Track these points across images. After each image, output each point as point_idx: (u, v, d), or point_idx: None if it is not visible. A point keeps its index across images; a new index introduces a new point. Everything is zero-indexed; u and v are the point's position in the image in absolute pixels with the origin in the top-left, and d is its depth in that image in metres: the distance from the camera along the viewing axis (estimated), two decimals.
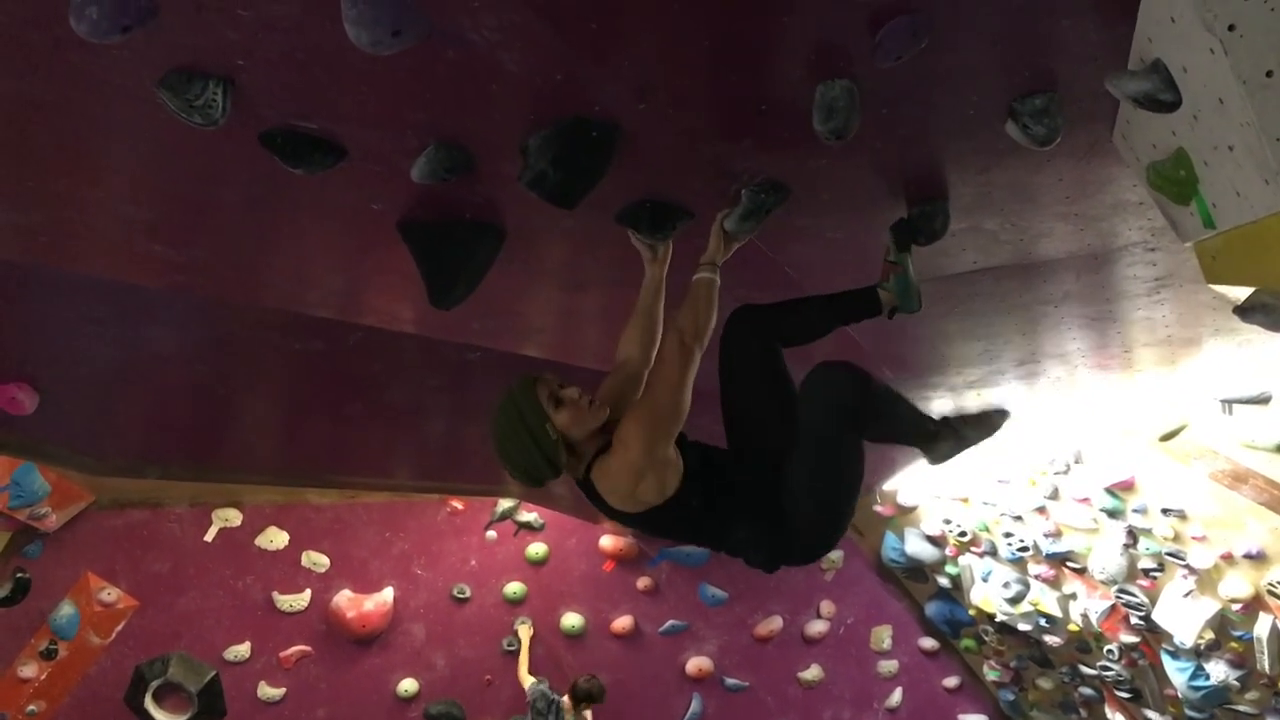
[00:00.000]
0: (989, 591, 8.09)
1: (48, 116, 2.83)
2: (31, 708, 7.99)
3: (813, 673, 9.31)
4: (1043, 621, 7.80)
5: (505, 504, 8.95)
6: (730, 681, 9.18)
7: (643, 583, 9.14)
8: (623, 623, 9.04)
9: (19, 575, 7.97)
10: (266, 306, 4.56)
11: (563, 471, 2.96)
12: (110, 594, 8.17)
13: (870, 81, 2.46)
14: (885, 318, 3.34)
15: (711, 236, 3.07)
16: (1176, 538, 6.25)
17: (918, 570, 8.95)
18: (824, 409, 2.89)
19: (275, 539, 8.55)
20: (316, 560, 8.62)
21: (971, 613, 8.72)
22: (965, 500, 7.89)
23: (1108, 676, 7.73)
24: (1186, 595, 6.36)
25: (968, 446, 3.25)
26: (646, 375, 3.19)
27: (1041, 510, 7.19)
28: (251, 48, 2.38)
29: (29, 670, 8.00)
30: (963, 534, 8.05)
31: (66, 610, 8.07)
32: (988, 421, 3.26)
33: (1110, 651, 7.45)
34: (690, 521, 3.05)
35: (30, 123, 2.88)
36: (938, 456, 3.27)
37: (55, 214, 3.59)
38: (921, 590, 9.25)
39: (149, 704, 8.16)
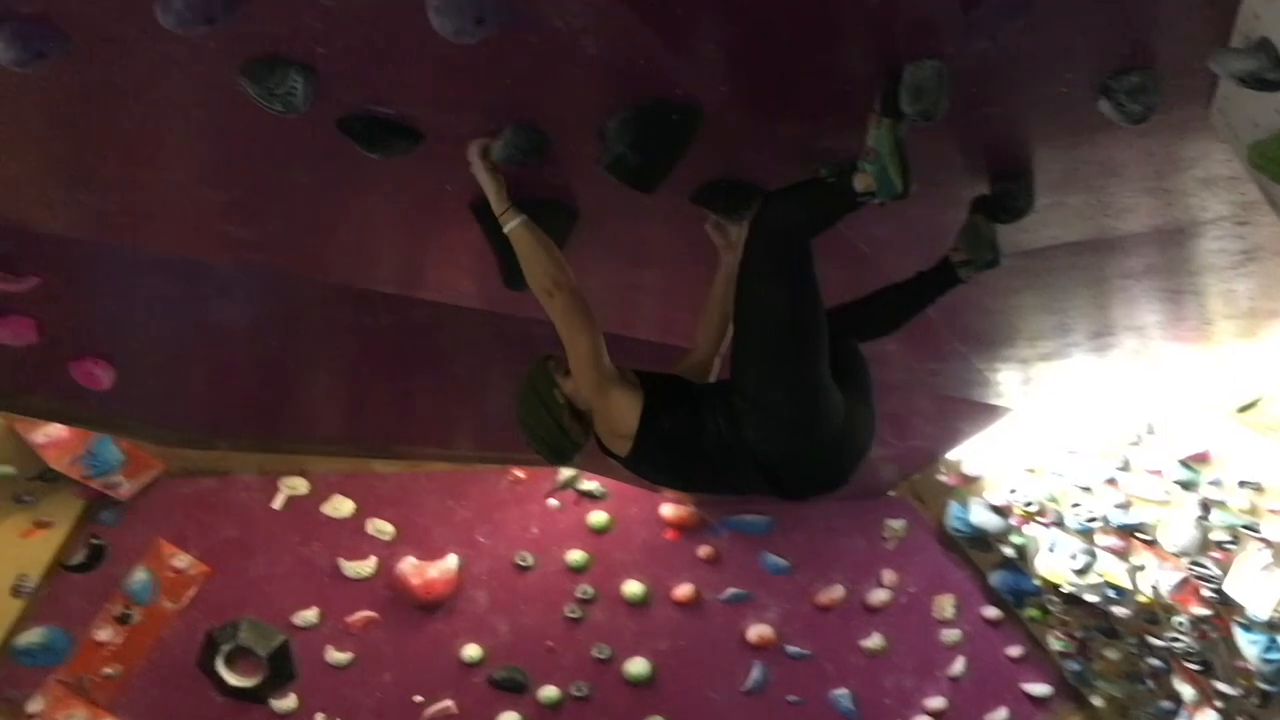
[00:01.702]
0: (1055, 562, 8.01)
1: (130, 104, 2.86)
2: (109, 671, 8.20)
3: (875, 641, 9.28)
4: (1111, 593, 7.70)
5: (567, 473, 8.99)
6: (792, 650, 9.18)
7: (704, 551, 9.14)
8: (685, 591, 9.06)
9: (95, 542, 8.17)
10: (336, 283, 4.59)
11: (573, 438, 3.01)
12: (182, 560, 8.35)
13: (960, 61, 2.39)
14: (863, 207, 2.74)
15: (481, 177, 2.89)
16: (1253, 510, 6.13)
17: (982, 540, 8.87)
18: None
19: (341, 507, 8.66)
20: (381, 528, 8.72)
21: (1037, 583, 8.63)
22: (1033, 470, 7.80)
23: (1177, 648, 7.62)
24: (1264, 568, 6.24)
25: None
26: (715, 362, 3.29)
27: (1112, 481, 7.09)
28: (333, 36, 2.37)
29: (106, 635, 8.20)
30: (1029, 504, 7.97)
31: (141, 576, 8.26)
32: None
33: (1180, 623, 7.34)
34: (676, 451, 2.97)
35: (113, 110, 2.90)
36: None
37: (133, 196, 3.64)
38: (986, 560, 9.17)
39: (221, 668, 8.34)
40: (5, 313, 4.48)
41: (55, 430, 7.25)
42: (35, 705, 8.03)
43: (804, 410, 2.77)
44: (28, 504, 7.88)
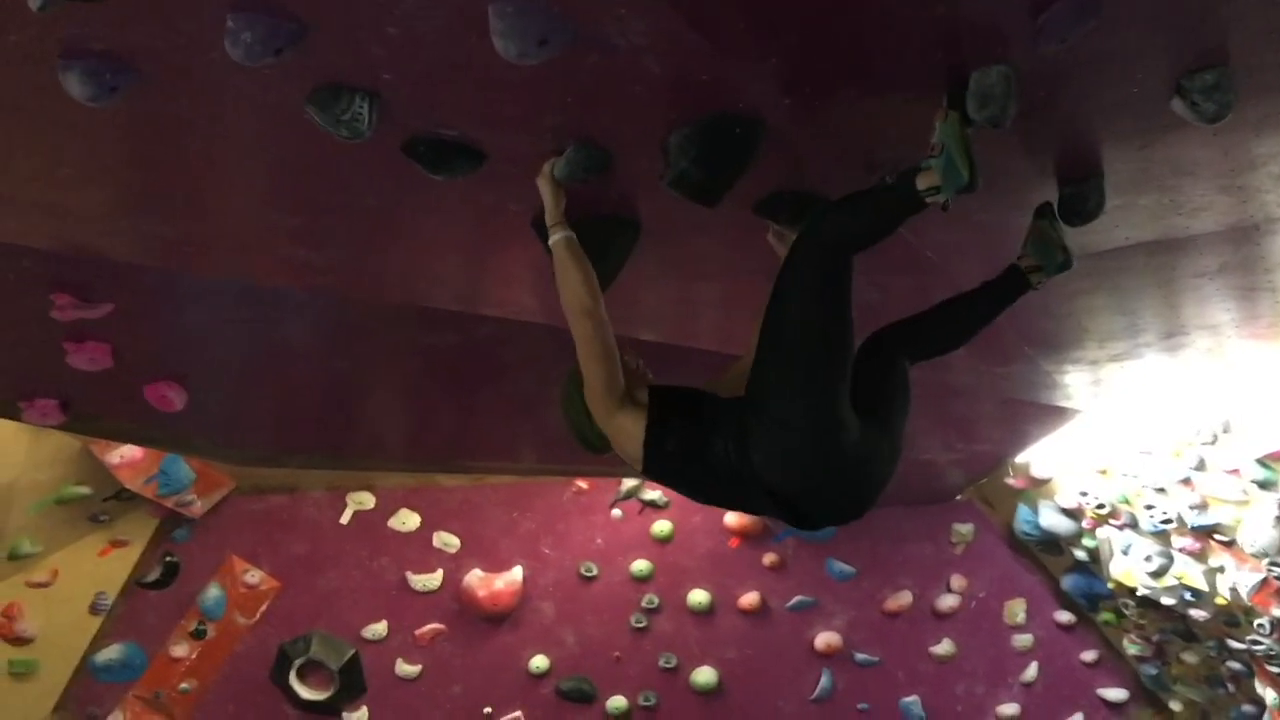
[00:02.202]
0: (1130, 565, 7.84)
1: (198, 134, 2.91)
2: (184, 685, 8.36)
3: (945, 647, 9.17)
4: (1188, 595, 7.52)
5: (630, 483, 8.99)
6: (860, 657, 9.10)
7: (769, 559, 9.10)
8: (749, 599, 9.02)
9: (168, 559, 8.35)
10: (399, 302, 4.64)
11: (601, 432, 2.99)
12: (254, 576, 8.48)
13: (1028, 66, 2.35)
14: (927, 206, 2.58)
15: (543, 191, 2.89)
16: None
17: (1052, 543, 8.72)
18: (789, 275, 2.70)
19: (408, 520, 8.75)
20: (447, 541, 8.80)
21: (1111, 586, 8.46)
22: (1104, 472, 7.65)
23: (1258, 650, 7.43)
24: None
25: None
26: None
27: (1186, 482, 6.93)
28: (397, 62, 2.39)
29: (181, 650, 8.37)
30: (1101, 506, 7.82)
31: (214, 592, 8.41)
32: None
33: (1261, 625, 7.15)
34: (683, 471, 2.95)
35: (181, 140, 2.95)
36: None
37: (201, 224, 3.70)
38: (1057, 563, 9.01)
39: (294, 681, 8.47)
40: (82, 339, 4.57)
41: (129, 451, 7.41)
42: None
43: (814, 434, 2.67)
44: (103, 523, 8.07)
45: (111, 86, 2.45)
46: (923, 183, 2.50)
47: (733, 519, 8.98)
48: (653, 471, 2.96)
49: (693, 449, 2.85)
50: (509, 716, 8.78)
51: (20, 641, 7.83)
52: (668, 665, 8.94)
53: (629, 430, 2.89)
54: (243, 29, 2.19)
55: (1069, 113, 2.69)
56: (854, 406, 2.70)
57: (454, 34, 2.25)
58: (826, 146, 2.82)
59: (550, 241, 2.90)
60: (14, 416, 5.39)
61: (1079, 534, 8.36)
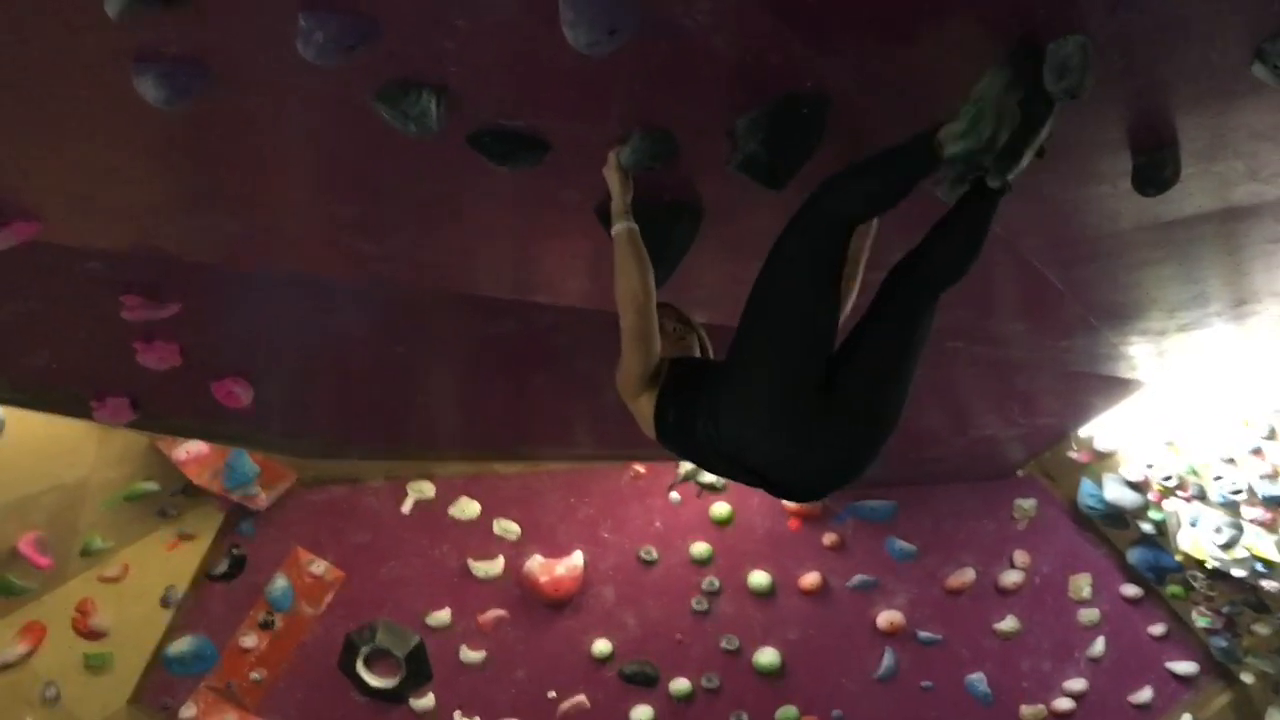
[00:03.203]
0: (1198, 537, 7.72)
1: (267, 133, 2.94)
2: (255, 675, 8.50)
3: (1009, 624, 9.08)
4: (1259, 567, 7.40)
5: (687, 466, 8.99)
6: (923, 635, 9.05)
7: (829, 539, 9.06)
8: (810, 580, 9.00)
9: (235, 552, 8.48)
10: (459, 292, 4.66)
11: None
12: (319, 566, 8.60)
13: (1105, 34, 2.31)
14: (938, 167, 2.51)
15: (610, 181, 2.88)
16: None
17: (1118, 517, 8.60)
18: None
19: (467, 509, 8.81)
20: (507, 528, 8.85)
21: (1178, 559, 8.34)
22: (1170, 444, 7.53)
23: None
24: None
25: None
26: None
27: (1257, 452, 6.81)
28: (465, 55, 2.39)
29: (250, 641, 8.51)
30: (1168, 478, 7.70)
31: (280, 583, 8.54)
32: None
33: None
34: (684, 445, 3.02)
35: (250, 140, 2.98)
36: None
37: (268, 220, 3.75)
38: (1122, 537, 8.89)
39: (361, 669, 8.58)
40: (150, 338, 4.65)
41: (195, 446, 7.53)
42: (188, 711, 8.39)
43: (778, 406, 2.64)
44: (172, 518, 8.20)
45: (185, 89, 2.49)
46: (943, 135, 2.40)
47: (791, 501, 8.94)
48: (665, 443, 3.06)
49: (685, 421, 2.90)
50: (573, 700, 8.84)
51: (95, 636, 7.98)
52: (730, 647, 8.95)
53: (643, 409, 3.02)
54: (315, 28, 2.21)
55: (1145, 81, 2.63)
56: (853, 363, 2.67)
57: (523, 25, 2.26)
58: (895, 124, 2.78)
59: (613, 231, 2.90)
60: (85, 415, 5.50)
61: (1145, 507, 8.24)
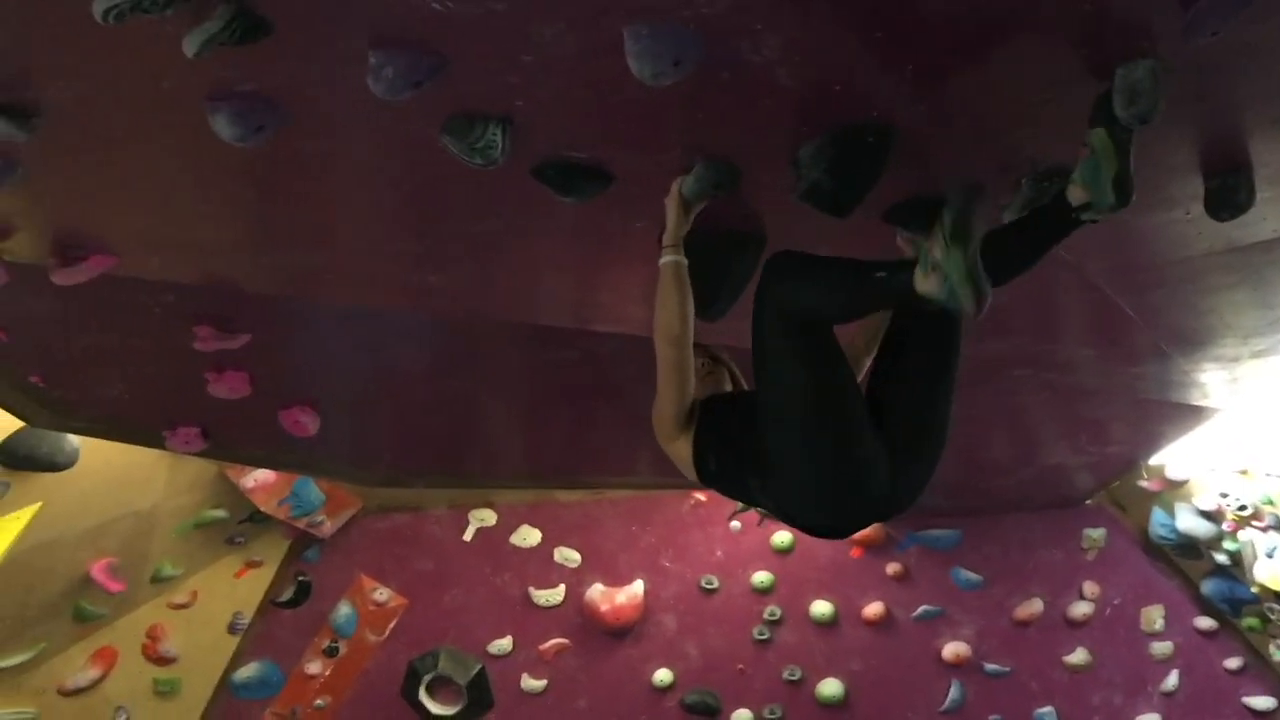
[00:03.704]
0: (1276, 568, 7.52)
1: (333, 167, 2.99)
2: (319, 702, 8.58)
3: (1079, 656, 8.89)
4: None
5: None
6: (991, 667, 8.88)
7: (892, 568, 8.95)
8: (874, 609, 8.89)
9: (301, 579, 8.58)
10: (521, 322, 4.70)
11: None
12: (382, 594, 8.67)
13: (1176, 58, 2.27)
14: (1076, 221, 2.54)
15: (669, 211, 2.87)
16: None
17: (1191, 547, 8.40)
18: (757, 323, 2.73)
19: (528, 536, 8.85)
20: (568, 556, 8.87)
21: (1255, 590, 8.11)
22: (1245, 472, 7.35)
23: None
24: None
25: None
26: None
27: None
28: (531, 88, 2.42)
29: (315, 667, 8.59)
30: (1243, 508, 7.51)
31: (345, 610, 8.62)
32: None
33: None
34: (733, 488, 3.08)
35: (318, 175, 3.04)
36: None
37: (334, 254, 3.81)
38: (1196, 568, 8.67)
39: (424, 697, 8.62)
40: (221, 369, 4.74)
41: (262, 474, 7.64)
42: None
43: (834, 482, 2.69)
44: (239, 545, 8.32)
45: (258, 126, 2.54)
46: (1074, 196, 2.49)
47: None
48: (709, 486, 3.12)
49: (729, 475, 3.00)
50: None
51: (164, 661, 8.10)
52: (792, 677, 8.86)
53: (680, 452, 3.04)
54: (384, 64, 2.25)
55: (1217, 103, 2.58)
56: (894, 396, 2.76)
57: (588, 58, 2.27)
58: (962, 151, 2.77)
59: (660, 262, 2.89)
60: (158, 445, 5.61)
61: (1219, 537, 8.04)
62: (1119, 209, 2.46)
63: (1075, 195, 2.49)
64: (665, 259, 2.88)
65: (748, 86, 2.41)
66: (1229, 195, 2.95)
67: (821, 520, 2.89)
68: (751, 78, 2.36)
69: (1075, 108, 2.45)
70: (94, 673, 7.66)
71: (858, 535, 8.68)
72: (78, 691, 7.58)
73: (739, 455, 2.90)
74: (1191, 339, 4.99)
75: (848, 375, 2.71)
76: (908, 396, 2.81)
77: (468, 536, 8.83)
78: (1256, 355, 5.27)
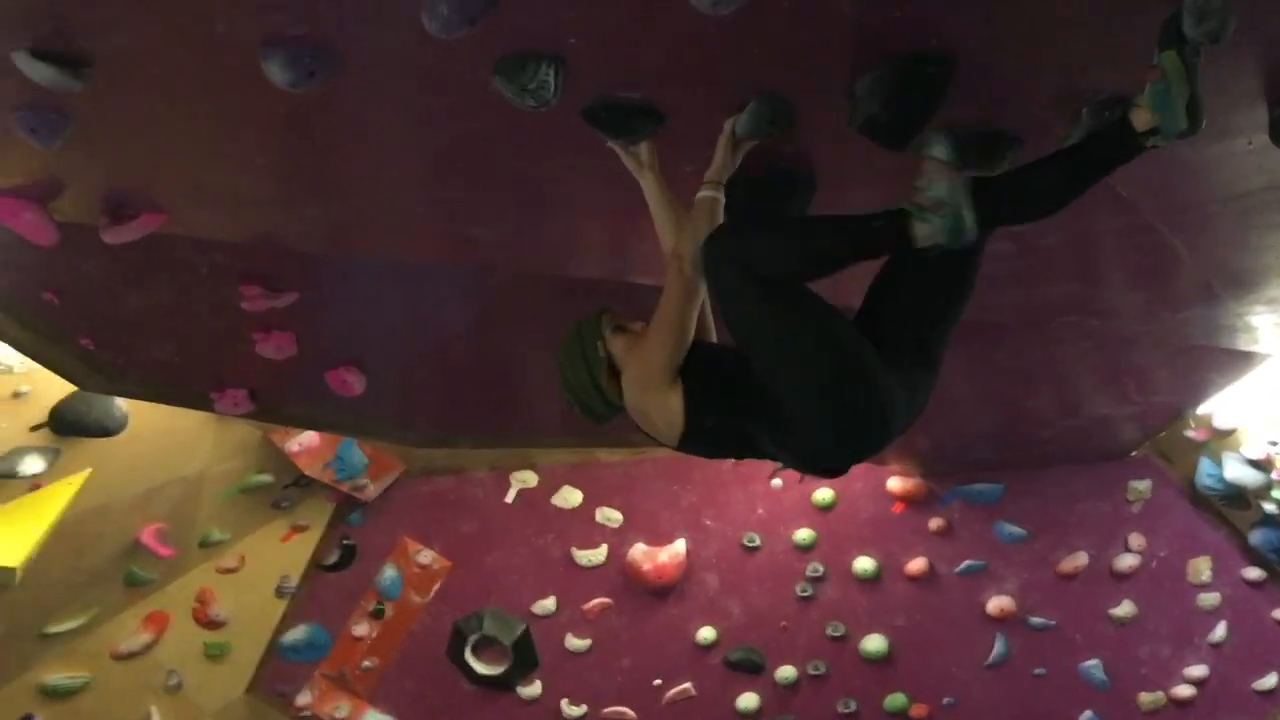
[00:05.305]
0: None
1: (383, 115, 2.97)
2: (367, 663, 8.68)
3: (1125, 609, 8.82)
4: None
5: None
6: (1035, 621, 8.84)
7: (935, 523, 8.90)
8: (917, 564, 8.86)
9: (345, 542, 8.66)
10: (567, 275, 4.68)
11: (608, 398, 2.96)
12: (426, 556, 8.74)
13: None
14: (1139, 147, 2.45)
15: (718, 149, 2.79)
16: None
17: (1238, 497, 8.30)
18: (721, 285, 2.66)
19: (570, 497, 8.87)
20: (610, 516, 8.89)
21: None
22: None
23: None
24: None
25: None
26: None
27: None
28: (586, 23, 2.39)
29: (362, 629, 8.69)
30: None
31: (390, 573, 8.70)
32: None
33: None
34: (717, 445, 2.96)
35: (367, 120, 3.03)
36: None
37: (382, 205, 3.80)
38: (1243, 518, 8.57)
39: (469, 657, 8.70)
40: (269, 329, 4.76)
41: (306, 438, 7.70)
42: (304, 698, 8.61)
43: (856, 414, 2.65)
44: (285, 509, 8.40)
45: (311, 71, 2.53)
46: (1139, 121, 2.39)
47: (895, 484, 8.83)
48: (686, 446, 2.91)
49: (728, 430, 2.82)
50: (679, 688, 8.85)
51: (213, 625, 8.23)
52: (835, 634, 8.86)
53: (672, 410, 2.81)
54: (439, 1, 2.22)
55: None
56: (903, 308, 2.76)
57: None
58: (1022, 81, 2.71)
59: (698, 196, 2.81)
60: (206, 407, 5.67)
61: (1268, 486, 7.94)
62: (1190, 134, 2.38)
63: (1141, 120, 2.40)
64: (704, 193, 2.80)
65: (807, 14, 2.37)
66: None
67: (846, 458, 2.82)
68: (812, 4, 2.33)
69: (1141, 32, 2.39)
70: (146, 637, 7.81)
71: (898, 490, 8.71)
72: (130, 656, 7.73)
73: (745, 407, 2.75)
74: (1244, 280, 4.90)
75: (843, 315, 2.69)
76: (912, 331, 2.79)
77: (510, 498, 8.86)
78: None
